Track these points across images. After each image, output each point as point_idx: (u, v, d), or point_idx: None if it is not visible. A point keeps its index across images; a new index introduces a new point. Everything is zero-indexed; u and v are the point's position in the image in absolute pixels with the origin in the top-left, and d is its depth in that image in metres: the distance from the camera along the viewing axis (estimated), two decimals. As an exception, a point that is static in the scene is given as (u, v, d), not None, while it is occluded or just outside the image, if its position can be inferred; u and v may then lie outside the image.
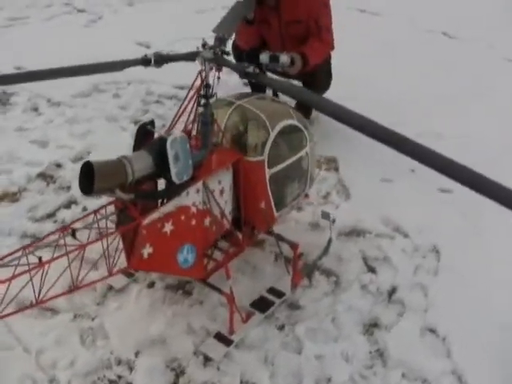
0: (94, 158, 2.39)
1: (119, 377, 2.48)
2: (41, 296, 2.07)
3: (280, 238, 2.94)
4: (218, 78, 2.55)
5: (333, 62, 4.15)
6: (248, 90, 4.31)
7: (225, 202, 2.60)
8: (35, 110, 4.29)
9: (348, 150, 4.03)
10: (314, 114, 4.32)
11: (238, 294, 2.86)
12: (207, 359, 2.56)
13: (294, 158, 2.77)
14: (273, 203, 2.73)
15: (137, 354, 2.57)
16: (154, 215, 2.28)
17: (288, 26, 3.81)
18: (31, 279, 2.00)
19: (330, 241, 3.20)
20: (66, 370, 2.46)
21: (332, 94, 4.05)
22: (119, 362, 2.53)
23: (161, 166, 2.25)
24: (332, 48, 3.89)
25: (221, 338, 2.64)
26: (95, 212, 2.29)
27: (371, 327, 2.81)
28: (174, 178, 2.27)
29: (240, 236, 2.76)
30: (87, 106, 4.43)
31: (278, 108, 2.83)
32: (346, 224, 3.41)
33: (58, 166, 3.69)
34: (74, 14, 6.33)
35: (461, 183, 1.89)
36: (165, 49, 5.10)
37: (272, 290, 2.90)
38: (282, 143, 2.73)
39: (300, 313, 2.84)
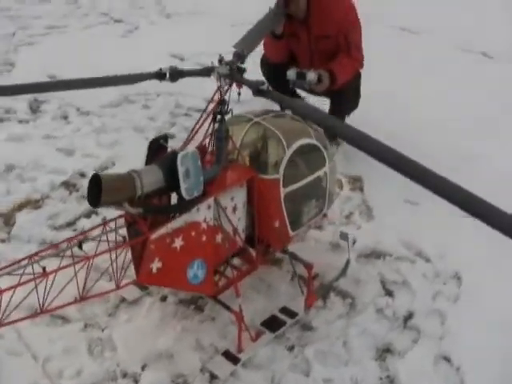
0: (119, 168, 2.42)
1: (124, 389, 2.49)
2: (45, 305, 2.10)
3: (295, 257, 2.91)
4: (239, 93, 2.58)
5: (370, 80, 4.11)
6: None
7: (238, 219, 2.59)
8: (64, 118, 4.38)
9: (374, 169, 3.88)
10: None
11: (250, 312, 2.86)
12: (213, 377, 2.54)
13: (311, 178, 2.75)
14: (288, 222, 2.70)
15: (143, 368, 2.57)
16: (163, 230, 2.29)
17: (317, 41, 3.78)
18: (36, 288, 2.03)
19: (347, 262, 3.16)
20: (71, 379, 2.48)
21: (367, 114, 4.11)
22: (125, 375, 2.54)
23: (171, 181, 2.25)
24: (361, 66, 3.85)
25: (229, 355, 2.62)
26: (104, 224, 2.31)
27: (384, 353, 2.74)
28: (184, 194, 2.27)
29: (254, 254, 2.76)
30: (116, 116, 4.50)
31: (296, 126, 2.81)
32: (366, 245, 3.35)
33: (82, 175, 3.74)
34: (110, 24, 6.47)
35: (481, 220, 1.82)
36: (198, 62, 5.21)
37: (285, 310, 2.86)
38: (299, 162, 2.72)
39: (311, 334, 2.80)
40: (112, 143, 4.13)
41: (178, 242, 2.35)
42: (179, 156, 2.22)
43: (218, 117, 2.43)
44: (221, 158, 2.50)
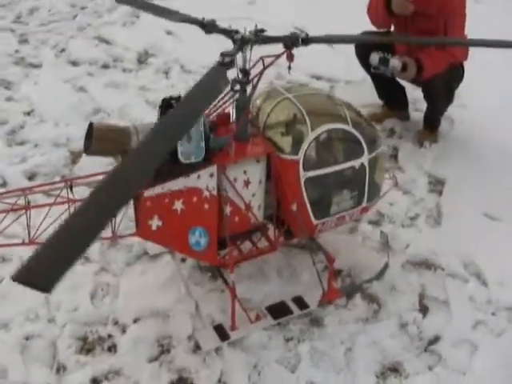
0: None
1: (109, 336, 2.52)
2: (31, 237, 2.20)
3: (319, 248, 2.71)
4: (289, 67, 2.44)
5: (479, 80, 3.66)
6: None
7: (251, 195, 2.46)
8: (165, 73, 4.50)
9: (462, 175, 3.54)
10: (444, 130, 3.88)
11: (262, 293, 2.74)
12: (197, 347, 2.48)
13: (342, 166, 2.52)
14: (310, 209, 2.52)
15: (135, 321, 2.58)
16: (158, 189, 2.27)
17: (414, 18, 3.35)
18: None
19: (386, 266, 2.86)
20: (66, 313, 2.58)
21: (468, 121, 3.72)
22: (116, 323, 2.57)
23: None
24: (455, 59, 3.35)
25: (220, 330, 2.53)
26: (104, 174, 2.33)
27: (389, 371, 2.46)
28: (180, 157, 2.23)
29: (273, 235, 2.61)
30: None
31: (329, 109, 2.60)
32: (419, 253, 3.01)
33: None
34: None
35: None
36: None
37: (297, 300, 2.68)
38: (326, 147, 2.52)
39: (317, 331, 2.59)
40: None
41: (179, 205, 2.32)
42: None
43: (237, 86, 2.32)
44: (239, 130, 2.40)
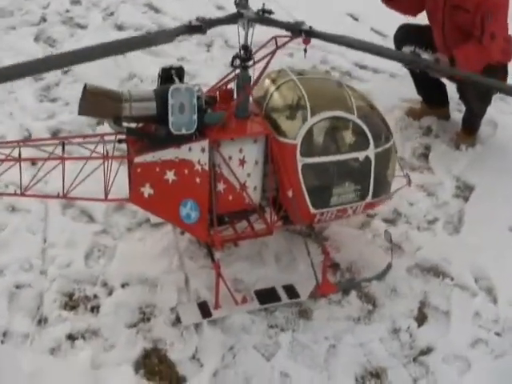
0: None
1: (94, 296, 2.55)
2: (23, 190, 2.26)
3: (316, 238, 2.63)
4: (305, 50, 2.36)
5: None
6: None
7: (247, 175, 2.40)
8: (208, 46, 4.39)
9: (493, 184, 3.33)
10: (485, 135, 3.66)
11: (256, 276, 2.69)
12: (178, 320, 2.46)
13: (344, 157, 2.43)
14: (307, 197, 2.43)
15: (123, 285, 2.59)
16: (148, 157, 2.27)
17: (452, 10, 3.16)
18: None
19: (388, 266, 2.75)
20: (58, 268, 2.63)
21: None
22: (104, 284, 2.59)
23: (162, 111, 2.20)
24: (491, 58, 3.09)
25: (203, 307, 2.49)
26: (102, 136, 2.34)
27: (370, 376, 2.35)
28: (171, 127, 2.21)
29: (269, 217, 2.54)
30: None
31: (335, 96, 2.50)
32: (429, 258, 2.86)
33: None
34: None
35: None
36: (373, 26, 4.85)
37: (289, 288, 2.61)
38: (327, 135, 2.43)
39: (303, 323, 2.51)
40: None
41: (171, 176, 2.32)
42: (171, 88, 2.17)
43: (237, 62, 2.28)
44: (237, 107, 2.36)
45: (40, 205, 2.88)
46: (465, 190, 3.34)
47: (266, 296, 2.57)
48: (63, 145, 2.25)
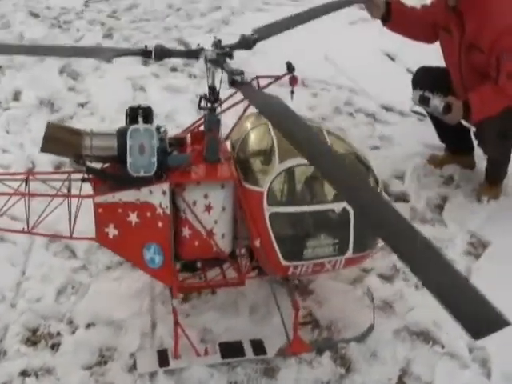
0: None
1: (57, 333, 2.62)
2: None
3: (288, 290, 2.57)
4: (292, 92, 2.42)
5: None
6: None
7: (214, 221, 2.40)
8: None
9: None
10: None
11: (225, 327, 2.67)
12: (135, 366, 2.48)
13: (317, 207, 2.39)
14: (277, 247, 2.40)
15: (88, 325, 2.65)
16: (109, 197, 2.35)
17: (468, 50, 3.06)
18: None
19: (370, 328, 2.65)
20: (28, 302, 2.73)
21: None
22: (70, 322, 2.67)
23: (122, 152, 2.27)
24: (511, 100, 2.95)
25: (162, 356, 2.50)
26: (69, 173, 2.43)
27: None
28: (129, 169, 2.27)
29: (242, 267, 2.54)
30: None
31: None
32: (421, 321, 2.73)
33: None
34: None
35: None
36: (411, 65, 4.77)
37: (257, 343, 2.56)
38: (298, 184, 2.41)
39: (265, 382, 2.46)
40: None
41: (134, 218, 2.38)
42: (130, 129, 2.24)
43: (203, 103, 2.32)
44: (205, 150, 2.38)
45: (26, 238, 3.02)
46: (478, 248, 3.18)
47: (230, 350, 2.54)
48: (27, 180, 2.38)
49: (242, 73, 2.18)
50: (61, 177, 2.47)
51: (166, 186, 2.31)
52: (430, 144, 3.81)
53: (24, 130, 3.84)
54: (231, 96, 2.42)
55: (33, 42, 4.54)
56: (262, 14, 5.44)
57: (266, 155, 2.42)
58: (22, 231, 2.44)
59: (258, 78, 2.52)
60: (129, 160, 2.24)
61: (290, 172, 2.36)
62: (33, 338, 2.60)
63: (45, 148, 2.32)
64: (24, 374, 2.45)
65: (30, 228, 2.42)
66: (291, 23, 2.78)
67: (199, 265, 2.54)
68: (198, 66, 4.68)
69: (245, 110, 2.53)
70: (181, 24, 5.24)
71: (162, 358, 2.49)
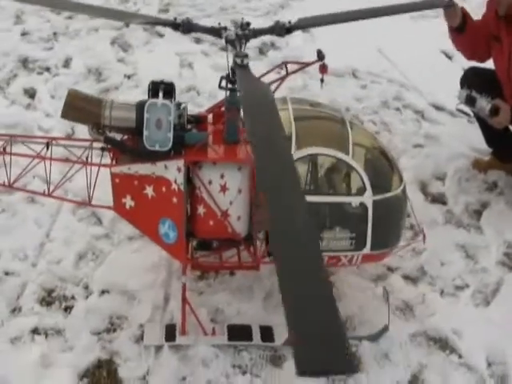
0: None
1: (72, 297, 2.68)
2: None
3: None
4: (322, 80, 2.39)
5: None
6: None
7: (229, 202, 2.38)
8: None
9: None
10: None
11: (237, 310, 2.66)
12: (141, 337, 2.50)
13: (333, 199, 2.36)
14: None
15: (103, 291, 2.70)
16: (124, 168, 2.38)
17: None
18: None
19: (384, 328, 2.57)
20: (48, 263, 2.81)
21: None
22: (86, 287, 2.72)
23: (140, 125, 2.28)
24: None
25: (170, 330, 2.52)
26: (92, 141, 2.46)
27: None
28: (145, 142, 2.28)
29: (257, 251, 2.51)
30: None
31: (330, 133, 2.44)
32: (440, 327, 2.64)
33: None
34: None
35: None
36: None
37: (266, 329, 2.55)
38: (315, 173, 2.37)
39: (269, 371, 2.43)
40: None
41: (150, 191, 2.40)
42: (148, 102, 2.25)
43: (223, 83, 2.30)
44: (224, 130, 2.37)
45: (55, 201, 3.07)
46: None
47: (238, 332, 2.53)
48: (47, 145, 2.43)
49: (245, 55, 2.16)
50: (82, 144, 2.51)
51: (181, 163, 2.31)
52: (477, 148, 3.66)
53: (69, 96, 3.91)
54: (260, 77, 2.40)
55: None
56: (323, 1, 5.34)
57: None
58: (43, 194, 2.52)
59: (285, 63, 2.51)
60: (145, 133, 2.25)
61: (306, 160, 2.33)
62: (48, 299, 2.67)
63: (65, 114, 2.37)
64: (34, 331, 2.52)
65: (49, 192, 2.49)
66: (346, 18, 2.70)
67: (215, 244, 2.55)
68: (250, 47, 4.68)
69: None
70: (238, 5, 5.22)
71: (170, 332, 2.51)
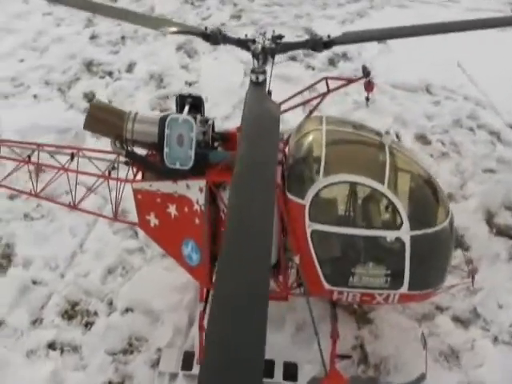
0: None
1: (95, 312, 2.64)
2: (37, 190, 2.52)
3: (332, 316, 2.34)
4: (367, 98, 2.25)
5: None
6: None
7: None
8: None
9: None
10: None
11: (268, 340, 2.47)
12: (157, 362, 2.42)
13: (366, 232, 2.15)
14: (319, 268, 2.21)
15: (126, 310, 2.64)
16: (146, 185, 2.29)
17: None
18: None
19: (421, 377, 2.33)
20: (77, 275, 2.78)
21: None
22: (110, 303, 2.67)
23: (161, 140, 2.19)
24: None
25: (187, 359, 2.42)
26: (118, 154, 2.39)
27: None
28: (165, 159, 2.18)
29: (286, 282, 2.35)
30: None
31: (365, 159, 2.21)
32: (488, 381, 2.35)
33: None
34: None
35: None
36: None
37: (290, 367, 2.39)
38: (345, 203, 2.18)
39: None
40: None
41: (173, 210, 2.31)
42: (168, 118, 2.15)
43: None
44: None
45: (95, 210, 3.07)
46: None
47: (260, 367, 2.38)
48: (72, 156, 2.42)
49: (262, 72, 2.04)
50: (107, 156, 2.46)
51: (202, 183, 2.19)
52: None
53: (126, 102, 3.91)
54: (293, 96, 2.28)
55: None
56: (403, 11, 5.07)
57: (311, 166, 2.20)
58: (68, 205, 2.51)
59: (326, 78, 2.34)
60: (165, 150, 2.15)
61: (336, 188, 2.15)
62: (70, 312, 2.65)
63: (87, 126, 2.32)
64: (51, 346, 2.51)
65: (75, 203, 2.47)
66: (400, 33, 2.51)
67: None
68: (320, 57, 4.51)
69: (310, 111, 2.40)
70: (313, 12, 5.02)
71: (187, 360, 2.41)
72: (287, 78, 4.27)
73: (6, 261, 2.87)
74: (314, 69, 4.38)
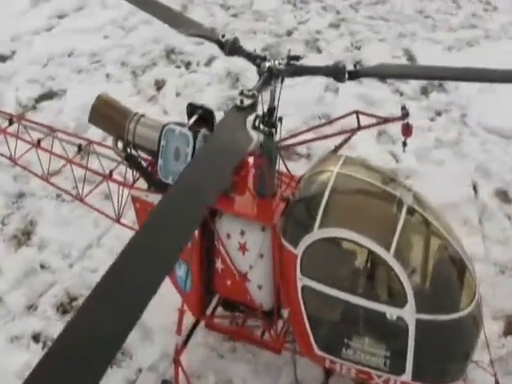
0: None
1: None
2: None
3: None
4: (404, 144, 1.96)
5: None
6: None
7: (249, 266, 2.05)
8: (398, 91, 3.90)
9: None
10: None
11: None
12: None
13: (366, 303, 1.86)
14: (309, 328, 1.98)
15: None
16: (143, 195, 2.18)
17: None
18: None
19: None
20: (84, 270, 2.70)
21: None
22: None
23: (159, 149, 2.04)
24: None
25: (164, 386, 2.26)
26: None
27: None
28: (158, 171, 2.03)
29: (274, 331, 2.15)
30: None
31: (374, 215, 1.91)
32: None
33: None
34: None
35: None
36: None
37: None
38: (342, 263, 1.94)
39: None
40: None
41: None
42: (165, 128, 2.00)
43: (261, 127, 1.92)
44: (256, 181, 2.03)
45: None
46: None
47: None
48: (79, 147, 2.35)
49: (250, 96, 1.80)
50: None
51: None
52: None
53: (195, 96, 3.78)
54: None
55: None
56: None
57: (311, 212, 1.93)
58: (75, 196, 2.46)
59: (357, 112, 2.07)
60: (159, 161, 2.00)
61: (333, 244, 1.90)
62: (66, 307, 2.58)
63: (91, 119, 2.23)
64: (35, 337, 2.45)
65: (82, 196, 2.43)
66: (439, 75, 2.31)
67: (241, 308, 2.22)
68: (412, 83, 4.15)
69: (336, 148, 2.17)
70: (420, 33, 4.66)
71: (162, 388, 2.26)
72: (369, 100, 4.00)
73: (24, 238, 2.87)
74: (402, 94, 4.05)
